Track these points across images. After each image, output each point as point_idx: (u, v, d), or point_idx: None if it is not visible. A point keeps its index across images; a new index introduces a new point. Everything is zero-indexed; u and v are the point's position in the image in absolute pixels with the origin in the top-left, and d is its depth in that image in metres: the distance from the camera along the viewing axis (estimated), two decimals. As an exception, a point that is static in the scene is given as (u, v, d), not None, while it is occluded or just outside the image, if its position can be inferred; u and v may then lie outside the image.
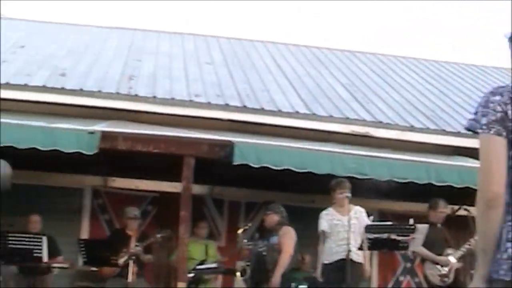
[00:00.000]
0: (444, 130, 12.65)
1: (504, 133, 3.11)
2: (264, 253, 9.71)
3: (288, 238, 9.76)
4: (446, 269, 10.19)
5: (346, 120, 12.30)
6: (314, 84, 14.91)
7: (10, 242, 9.82)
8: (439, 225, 10.49)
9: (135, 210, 10.93)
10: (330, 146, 10.84)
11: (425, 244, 10.02)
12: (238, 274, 10.43)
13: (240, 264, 10.17)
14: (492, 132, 3.13)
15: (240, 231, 10.49)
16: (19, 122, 9.84)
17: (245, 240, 10.34)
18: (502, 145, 3.12)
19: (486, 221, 3.12)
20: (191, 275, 10.92)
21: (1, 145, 9.46)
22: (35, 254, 9.89)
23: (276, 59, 17.07)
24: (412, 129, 12.42)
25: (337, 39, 43.73)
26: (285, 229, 9.88)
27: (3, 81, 11.64)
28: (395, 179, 10.31)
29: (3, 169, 8.42)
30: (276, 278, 9.47)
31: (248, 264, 9.89)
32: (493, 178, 3.09)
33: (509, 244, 3.07)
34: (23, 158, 9.93)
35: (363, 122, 12.36)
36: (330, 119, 12.26)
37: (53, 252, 10.75)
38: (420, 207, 11.93)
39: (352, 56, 18.74)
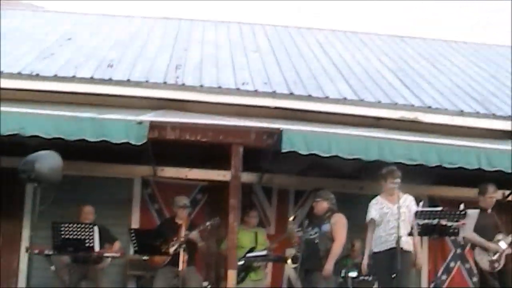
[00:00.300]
0: (494, 115, 12.46)
1: None
2: (316, 241, 9.69)
3: (340, 226, 9.74)
4: (496, 255, 10.09)
5: (395, 106, 12.19)
6: (362, 70, 14.80)
7: (62, 232, 9.94)
8: (489, 210, 10.38)
9: (185, 199, 10.97)
10: (379, 132, 10.76)
11: (476, 230, 9.92)
12: (289, 261, 10.43)
13: (290, 251, 10.16)
14: None
15: (291, 218, 10.48)
16: (68, 114, 9.92)
17: (296, 228, 10.32)
18: None
19: None
20: (241, 263, 10.96)
21: (51, 137, 9.57)
22: (87, 244, 10.01)
23: (323, 46, 16.98)
24: (461, 113, 12.26)
25: (384, 24, 43.37)
26: (337, 216, 9.85)
27: (51, 74, 11.75)
28: (445, 165, 10.20)
29: (54, 161, 8.53)
30: (329, 266, 9.47)
31: (298, 251, 9.87)
32: None
33: None
34: (73, 149, 10.05)
35: (412, 108, 12.22)
36: (378, 105, 12.17)
37: (108, 240, 10.86)
38: (470, 192, 11.81)
39: (400, 41, 18.57)
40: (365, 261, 9.44)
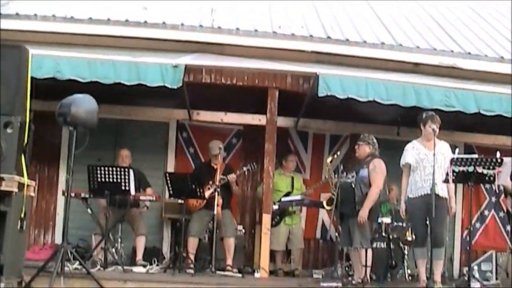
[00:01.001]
0: (536, 62, 12.21)
1: None
2: (353, 186, 9.63)
3: (378, 172, 9.59)
4: None
5: (433, 51, 12.00)
6: (400, 15, 14.58)
7: (98, 176, 10.01)
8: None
9: (220, 144, 10.96)
10: (417, 78, 10.64)
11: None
12: (324, 203, 10.41)
13: (326, 196, 10.13)
14: None
15: (329, 160, 10.41)
16: (104, 57, 9.91)
17: (333, 172, 10.27)
18: None
19: None
20: (276, 207, 10.99)
21: (87, 80, 9.59)
22: (123, 188, 10.07)
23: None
24: (501, 60, 12.03)
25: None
26: (376, 162, 9.68)
27: (86, 17, 11.70)
28: (482, 112, 10.08)
29: (90, 105, 8.54)
30: (365, 212, 9.40)
31: (334, 195, 9.83)
32: None
33: None
34: (109, 93, 10.07)
35: (451, 53, 12.03)
36: (417, 50, 12.00)
37: (142, 185, 10.94)
38: (507, 140, 11.69)
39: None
40: (403, 206, 9.36)
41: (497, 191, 10.60)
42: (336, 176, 9.97)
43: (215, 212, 10.28)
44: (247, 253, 12.08)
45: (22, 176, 7.76)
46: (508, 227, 11.20)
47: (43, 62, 9.57)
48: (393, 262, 10.87)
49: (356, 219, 9.48)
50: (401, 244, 11.09)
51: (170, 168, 12.48)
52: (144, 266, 10.41)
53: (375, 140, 9.94)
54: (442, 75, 11.29)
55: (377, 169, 9.59)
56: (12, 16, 11.41)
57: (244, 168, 10.93)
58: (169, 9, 12.90)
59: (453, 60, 11.69)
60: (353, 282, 9.40)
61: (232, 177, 10.68)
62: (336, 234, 9.72)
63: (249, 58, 11.34)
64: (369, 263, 9.44)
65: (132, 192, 10.24)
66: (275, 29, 12.24)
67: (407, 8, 15.28)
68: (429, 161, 8.84)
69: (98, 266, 9.83)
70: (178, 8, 13.03)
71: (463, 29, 13.92)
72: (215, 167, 10.76)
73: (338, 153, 10.66)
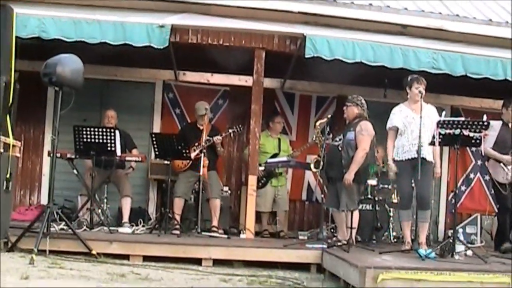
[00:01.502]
0: (525, 24, 12.17)
1: None
2: (339, 149, 9.63)
3: (365, 134, 9.54)
4: (510, 167, 10.07)
5: (421, 13, 11.90)
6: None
7: (84, 136, 9.97)
8: (510, 124, 10.27)
9: (206, 105, 10.92)
10: (404, 40, 10.61)
11: (497, 142, 9.89)
12: (312, 166, 10.42)
13: (313, 158, 10.14)
14: None
15: (318, 123, 10.39)
16: (90, 16, 9.83)
17: (320, 134, 10.28)
18: None
19: None
20: (262, 168, 11.00)
21: (73, 40, 9.52)
22: (109, 148, 10.05)
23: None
24: (489, 23, 11.96)
25: None
26: (363, 124, 9.62)
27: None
28: (470, 75, 10.08)
29: (75, 64, 8.49)
30: (350, 175, 9.40)
31: (320, 157, 9.85)
32: None
33: None
34: (95, 53, 10.00)
35: (439, 15, 11.95)
36: (404, 11, 11.89)
37: (128, 146, 10.92)
38: (494, 104, 11.70)
39: None
40: (392, 165, 9.32)
41: (483, 154, 10.62)
42: (323, 138, 9.97)
43: (201, 173, 10.28)
44: (233, 215, 12.13)
45: (8, 136, 7.75)
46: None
47: (28, 21, 9.47)
48: (379, 224, 10.94)
49: (342, 183, 9.52)
50: (386, 206, 11.15)
51: (156, 129, 12.45)
52: (130, 227, 10.42)
53: (363, 101, 9.89)
54: (429, 37, 11.25)
55: (364, 132, 9.56)
56: (-4, -26, 11.28)
57: (230, 131, 10.90)
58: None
59: (441, 23, 11.62)
60: (338, 243, 9.43)
61: (217, 138, 10.65)
62: (322, 195, 9.74)
63: (236, 18, 11.24)
64: (355, 225, 9.48)
65: (118, 153, 10.23)
66: (263, -11, 12.12)
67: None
68: (417, 125, 8.83)
69: (84, 227, 9.86)
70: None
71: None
72: (201, 128, 10.73)
73: (329, 116, 10.61)
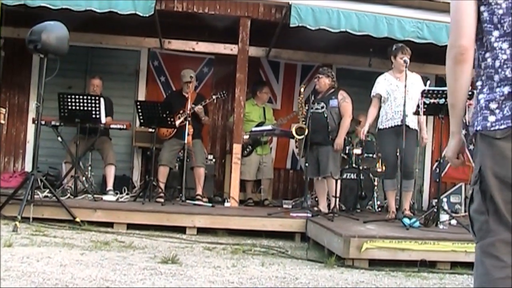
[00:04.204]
0: (513, -6, 12.13)
1: None
2: (325, 115, 9.73)
3: (348, 102, 9.87)
4: None
5: (406, -18, 11.92)
6: None
7: (69, 104, 9.95)
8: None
9: (191, 73, 10.90)
10: (389, 9, 10.59)
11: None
12: (294, 133, 10.46)
13: (297, 125, 10.18)
14: None
15: (302, 89, 10.43)
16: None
17: (303, 102, 10.32)
18: (470, 1, 3.05)
19: (455, 76, 3.14)
20: (246, 136, 11.02)
21: (58, 7, 9.46)
22: (93, 116, 10.03)
23: None
24: (475, -8, 11.94)
25: None
26: (344, 93, 9.94)
27: None
28: (455, 44, 10.09)
29: (61, 32, 8.46)
30: (340, 140, 9.70)
31: (305, 124, 9.89)
32: (462, 32, 3.05)
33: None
34: (81, 21, 9.95)
35: (424, -16, 11.96)
36: (389, -20, 11.91)
37: (107, 112, 10.89)
38: (479, 73, 11.70)
39: None
40: (366, 129, 9.42)
41: (468, 123, 10.61)
42: (306, 106, 10.02)
43: (186, 141, 10.29)
44: (217, 183, 12.19)
45: (-8, 103, 7.72)
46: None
47: (14, -13, 9.42)
48: (363, 193, 11.00)
49: (328, 148, 9.68)
50: (371, 175, 11.21)
51: (141, 96, 12.46)
52: (115, 194, 10.44)
53: (333, 73, 10.22)
54: (414, 7, 11.22)
55: (347, 99, 9.88)
56: None
57: (214, 97, 10.90)
58: None
59: (426, -8, 11.62)
60: (322, 211, 9.52)
61: (198, 108, 10.62)
62: (306, 164, 9.77)
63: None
64: (337, 193, 9.55)
65: (103, 120, 10.20)
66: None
67: None
68: (400, 93, 8.85)
69: (68, 195, 9.86)
70: None
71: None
72: (186, 96, 10.72)
73: (304, 85, 10.63)
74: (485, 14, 3.04)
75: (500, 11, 2.99)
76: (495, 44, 3.02)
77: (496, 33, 3.02)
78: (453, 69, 3.14)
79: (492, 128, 3.02)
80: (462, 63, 3.09)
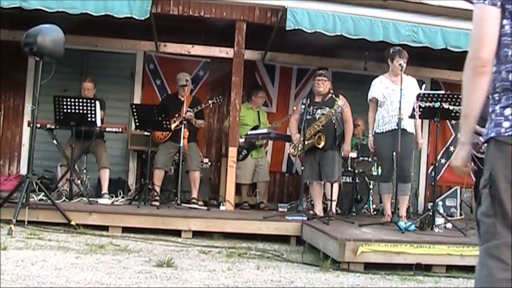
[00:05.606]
0: (504, -3, 12.15)
1: (499, 3, 3.05)
2: (333, 121, 9.74)
3: (348, 107, 9.94)
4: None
5: (402, -14, 11.93)
6: None
7: (64, 106, 9.94)
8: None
9: (187, 76, 10.90)
10: (385, 13, 10.60)
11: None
12: (316, 143, 10.45)
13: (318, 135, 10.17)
14: (486, 2, 3.06)
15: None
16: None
17: (302, 106, 10.31)
18: (495, 14, 3.06)
19: (473, 87, 3.11)
20: (242, 140, 11.01)
21: (54, 10, 9.45)
22: (89, 119, 10.02)
23: None
24: (470, -5, 12.00)
25: None
26: (342, 98, 9.95)
27: None
28: (450, 48, 10.11)
29: (56, 35, 8.45)
30: (348, 147, 10.01)
31: (320, 132, 9.87)
32: (484, 44, 3.05)
33: None
34: (76, 24, 9.94)
35: (419, -12, 11.98)
36: (385, -16, 11.92)
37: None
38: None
39: None
40: (371, 138, 9.42)
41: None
42: (310, 108, 10.01)
43: (181, 144, 10.28)
44: (213, 186, 12.17)
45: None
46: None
47: (9, -10, 9.41)
48: (359, 196, 11.01)
49: (335, 153, 9.77)
50: (366, 179, 11.22)
51: (137, 99, 12.45)
52: (110, 198, 10.42)
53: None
54: (410, 10, 11.23)
55: (347, 104, 9.89)
56: None
57: (210, 102, 10.89)
58: None
59: (422, -4, 11.64)
60: (318, 215, 9.53)
61: (188, 114, 10.59)
62: (302, 168, 9.76)
63: (217, -10, 11.22)
64: (335, 197, 9.57)
65: (98, 123, 10.19)
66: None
67: None
68: (396, 96, 8.86)
69: (64, 198, 9.84)
70: None
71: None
72: (182, 99, 10.72)
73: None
74: (507, 28, 3.06)
75: None
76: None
77: None
78: (472, 80, 3.12)
79: (506, 134, 3.07)
80: (481, 75, 3.09)
